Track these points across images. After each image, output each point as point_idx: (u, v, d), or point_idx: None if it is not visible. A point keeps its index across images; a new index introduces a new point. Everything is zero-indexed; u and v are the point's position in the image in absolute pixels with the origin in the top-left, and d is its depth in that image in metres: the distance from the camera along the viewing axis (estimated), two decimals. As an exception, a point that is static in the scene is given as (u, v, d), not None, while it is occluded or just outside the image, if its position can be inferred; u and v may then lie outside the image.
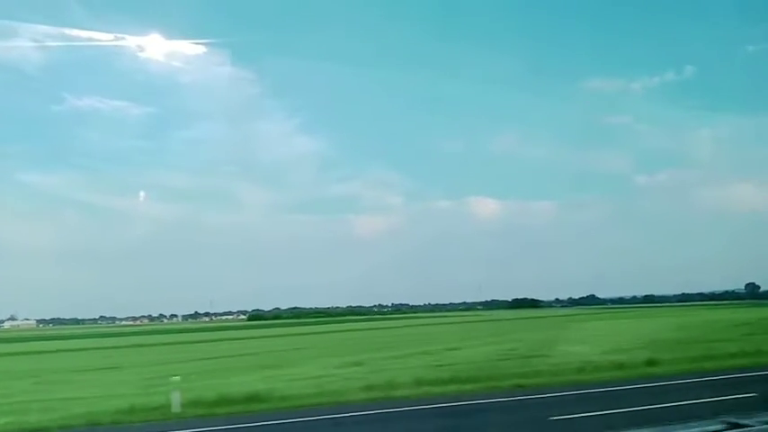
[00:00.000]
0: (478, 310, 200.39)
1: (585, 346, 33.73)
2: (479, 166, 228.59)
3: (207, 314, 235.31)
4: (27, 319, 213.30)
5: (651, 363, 23.32)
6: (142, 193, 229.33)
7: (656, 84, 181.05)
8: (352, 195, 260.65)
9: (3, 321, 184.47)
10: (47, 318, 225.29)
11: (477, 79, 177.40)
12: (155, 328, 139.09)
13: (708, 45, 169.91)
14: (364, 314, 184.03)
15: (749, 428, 4.10)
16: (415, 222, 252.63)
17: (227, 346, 49.59)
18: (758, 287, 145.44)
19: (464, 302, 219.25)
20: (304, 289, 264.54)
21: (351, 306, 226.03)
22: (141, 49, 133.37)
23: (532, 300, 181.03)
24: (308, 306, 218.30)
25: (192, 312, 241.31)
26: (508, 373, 21.96)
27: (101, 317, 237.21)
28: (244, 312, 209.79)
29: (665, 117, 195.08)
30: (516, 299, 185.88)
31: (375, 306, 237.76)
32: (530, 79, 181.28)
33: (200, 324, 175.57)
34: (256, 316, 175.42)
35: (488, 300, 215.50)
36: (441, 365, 25.96)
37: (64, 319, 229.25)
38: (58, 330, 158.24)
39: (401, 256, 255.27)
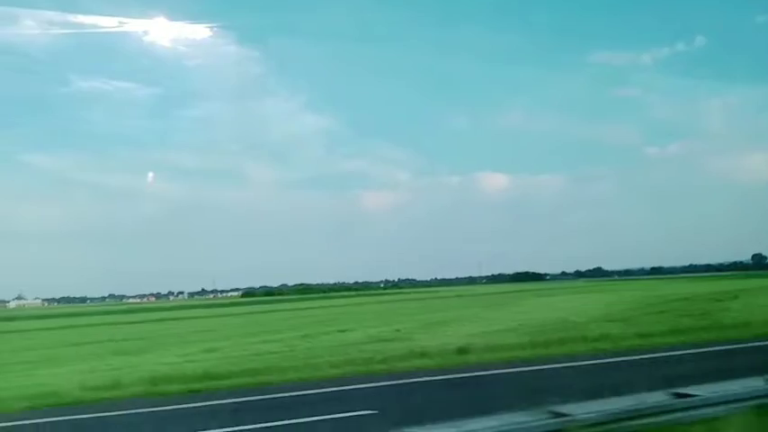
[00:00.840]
0: (483, 284, 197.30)
1: (466, 327, 30.68)
2: (487, 142, 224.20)
3: (213, 291, 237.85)
4: (37, 298, 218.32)
5: (462, 351, 20.03)
6: (150, 174, 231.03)
7: (666, 55, 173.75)
8: (360, 172, 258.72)
9: (7, 301, 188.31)
10: (56, 297, 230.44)
11: (485, 54, 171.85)
12: (110, 308, 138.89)
13: (718, 15, 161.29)
14: (364, 290, 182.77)
15: (571, 417, 6.09)
16: (422, 198, 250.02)
17: (132, 328, 47.52)
18: (765, 258, 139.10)
19: (469, 277, 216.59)
20: (311, 265, 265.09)
21: (358, 282, 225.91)
22: (146, 32, 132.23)
23: (534, 273, 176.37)
24: (315, 282, 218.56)
25: (200, 289, 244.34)
26: (319, 362, 18.79)
27: (110, 295, 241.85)
28: (251, 289, 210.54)
29: (674, 88, 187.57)
30: (518, 273, 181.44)
31: (382, 281, 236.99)
32: (538, 53, 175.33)
33: (179, 302, 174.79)
34: (249, 293, 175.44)
35: (494, 273, 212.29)
36: (276, 353, 23.04)
37: (73, 298, 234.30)
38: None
39: (409, 232, 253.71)
